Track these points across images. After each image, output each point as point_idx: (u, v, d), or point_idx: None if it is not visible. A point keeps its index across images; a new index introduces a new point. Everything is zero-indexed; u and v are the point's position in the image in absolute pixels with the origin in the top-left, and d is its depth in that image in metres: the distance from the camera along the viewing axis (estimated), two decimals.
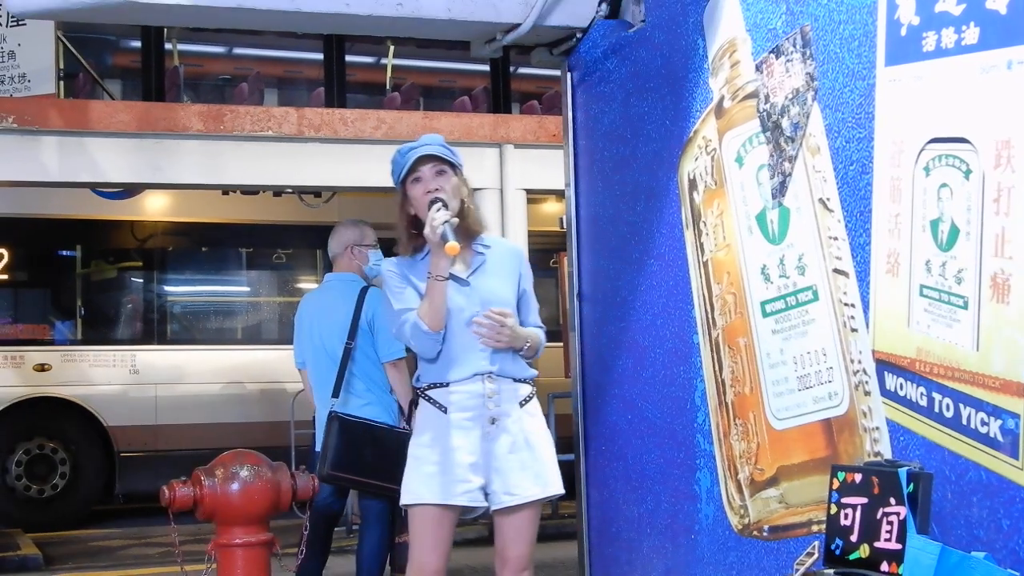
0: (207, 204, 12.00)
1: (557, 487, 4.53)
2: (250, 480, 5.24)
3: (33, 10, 5.51)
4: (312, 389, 6.65)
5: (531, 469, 4.46)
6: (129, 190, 11.44)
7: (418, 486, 4.41)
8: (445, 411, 4.42)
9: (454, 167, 4.53)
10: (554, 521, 9.93)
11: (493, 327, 4.39)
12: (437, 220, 4.30)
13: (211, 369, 11.89)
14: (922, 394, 3.71)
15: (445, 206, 4.35)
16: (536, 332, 4.60)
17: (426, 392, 4.48)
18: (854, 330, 3.99)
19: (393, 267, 4.55)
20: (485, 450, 4.40)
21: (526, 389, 4.53)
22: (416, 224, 4.49)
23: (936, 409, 3.66)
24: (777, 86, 4.34)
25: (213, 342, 12.23)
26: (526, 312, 4.63)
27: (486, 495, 4.43)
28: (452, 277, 4.41)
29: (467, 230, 4.48)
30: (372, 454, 6.20)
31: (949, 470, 3.60)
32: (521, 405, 4.49)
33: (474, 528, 9.15)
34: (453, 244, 4.27)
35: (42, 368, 11.30)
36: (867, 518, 3.49)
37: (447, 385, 4.44)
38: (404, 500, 4.45)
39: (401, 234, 4.57)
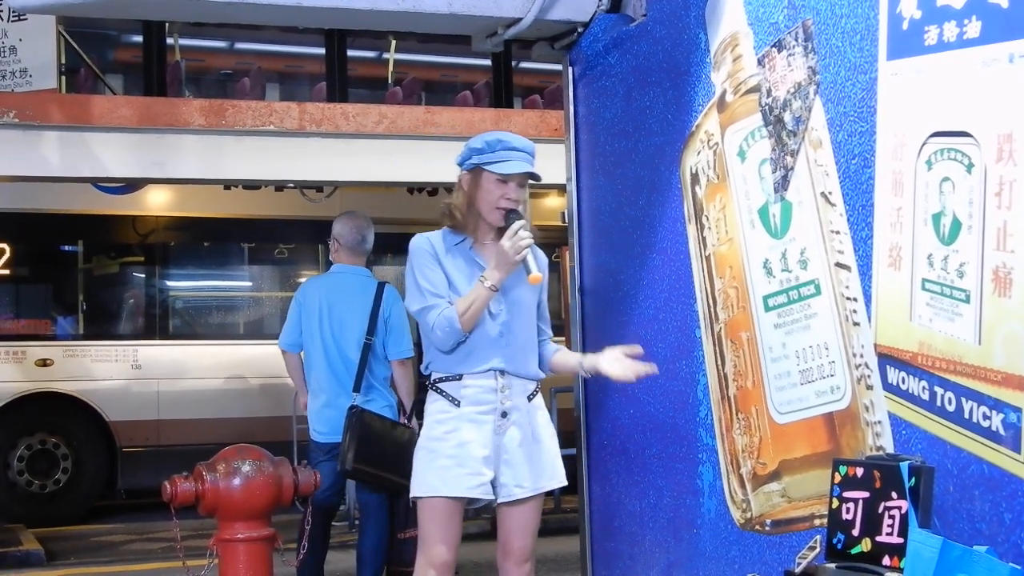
0: (209, 199, 11.99)
1: (563, 478, 4.60)
2: (252, 475, 5.24)
3: (34, 5, 5.51)
4: (302, 375, 6.66)
5: (539, 462, 4.50)
6: (131, 185, 11.42)
7: (433, 478, 4.41)
8: (458, 404, 4.43)
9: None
10: (556, 515, 9.93)
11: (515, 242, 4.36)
12: (524, 241, 4.33)
13: (213, 364, 11.88)
14: (924, 388, 3.71)
15: (523, 225, 4.38)
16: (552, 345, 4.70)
17: (438, 384, 4.49)
18: (856, 324, 3.99)
19: (429, 244, 4.52)
20: (496, 443, 4.43)
21: (532, 384, 4.57)
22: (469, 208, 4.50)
23: (938, 403, 3.66)
24: (779, 80, 4.34)
25: (215, 337, 12.22)
26: (541, 320, 4.67)
27: (493, 488, 4.45)
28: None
29: None
30: (390, 449, 6.22)
31: (951, 464, 3.60)
32: (529, 399, 4.52)
33: (476, 523, 9.16)
34: (537, 275, 4.37)
35: (44, 363, 11.30)
36: (869, 512, 3.49)
37: (460, 378, 4.45)
38: (417, 492, 4.45)
39: (455, 211, 4.53)
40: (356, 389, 6.38)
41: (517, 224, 4.38)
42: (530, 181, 4.52)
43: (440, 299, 4.43)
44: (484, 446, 4.41)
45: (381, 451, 6.22)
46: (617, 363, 4.49)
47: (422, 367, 4.59)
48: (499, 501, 4.47)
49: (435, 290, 4.45)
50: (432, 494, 4.41)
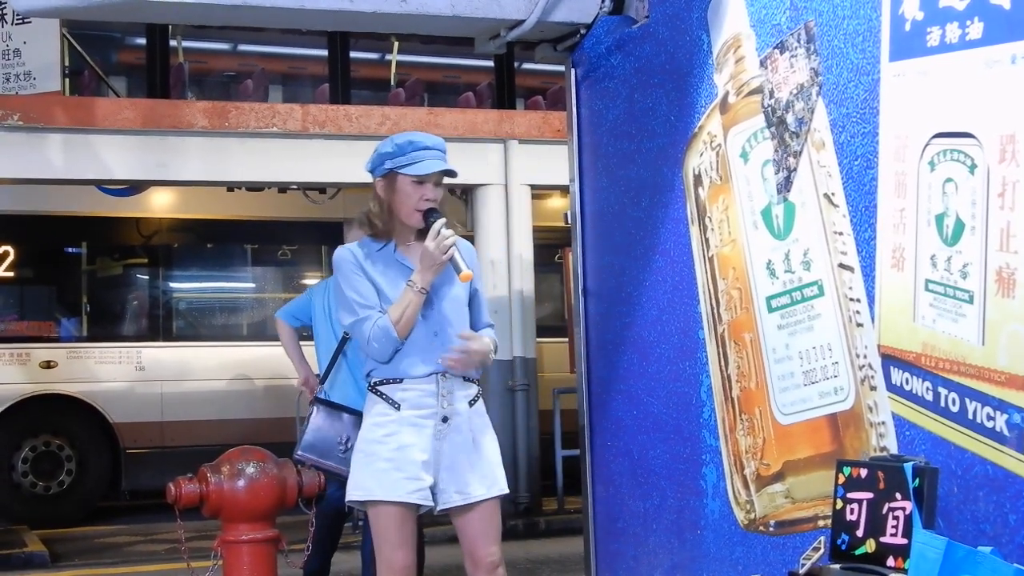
0: (212, 200, 12.00)
1: (503, 486, 4.49)
2: (256, 476, 5.24)
3: (38, 8, 5.52)
4: (296, 347, 6.88)
5: (479, 469, 4.42)
6: (134, 187, 11.44)
7: (369, 482, 4.35)
8: (398, 408, 4.37)
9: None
10: (560, 516, 9.90)
11: (462, 359, 4.35)
12: (448, 240, 4.28)
13: (217, 365, 11.89)
14: (928, 389, 3.71)
15: (444, 223, 4.32)
16: (491, 335, 4.56)
17: (378, 387, 4.42)
18: (859, 325, 4.00)
19: (351, 255, 4.45)
20: (436, 448, 4.36)
21: (474, 389, 4.49)
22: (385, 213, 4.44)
23: (942, 404, 3.66)
24: (782, 81, 4.34)
25: (219, 338, 12.22)
26: (478, 312, 4.58)
27: (433, 494, 4.38)
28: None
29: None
30: (346, 442, 6.21)
31: (955, 464, 3.60)
32: (470, 404, 4.45)
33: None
34: (468, 272, 4.31)
35: (48, 365, 11.31)
36: (873, 513, 3.50)
37: (401, 381, 4.38)
38: (353, 496, 4.40)
39: (374, 220, 4.47)
40: (322, 381, 6.42)
41: (439, 223, 4.30)
42: (446, 179, 4.46)
43: (371, 309, 4.36)
44: (423, 451, 4.33)
45: (329, 441, 6.23)
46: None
47: (364, 373, 4.51)
48: (438, 508, 4.40)
49: (365, 301, 4.38)
50: (368, 498, 4.35)
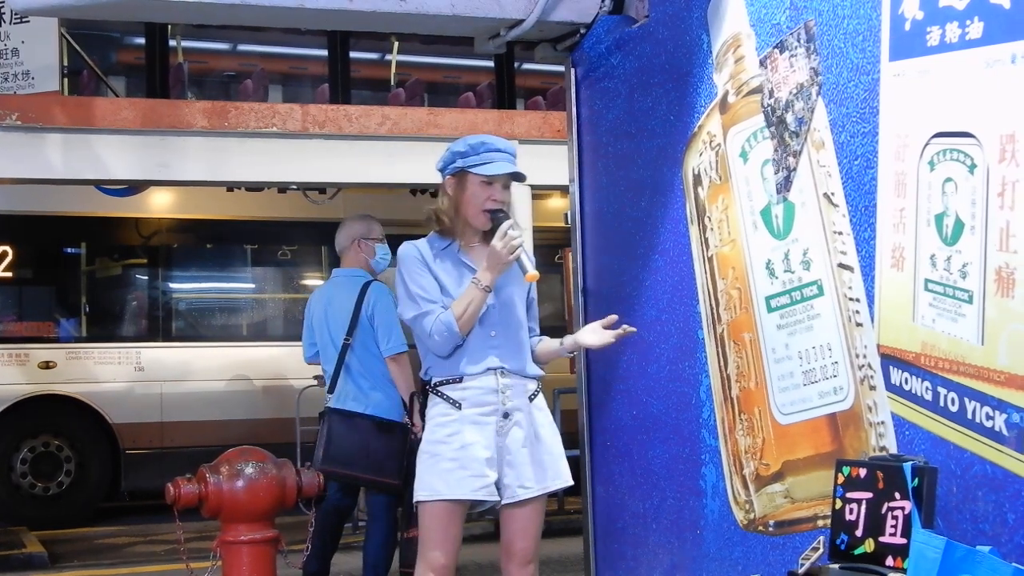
0: (212, 201, 12.00)
1: (568, 478, 4.60)
2: (255, 477, 5.24)
3: (36, 7, 5.51)
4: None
5: (542, 462, 4.50)
6: (134, 187, 11.43)
7: (436, 482, 4.40)
8: (459, 407, 4.43)
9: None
10: (560, 517, 9.93)
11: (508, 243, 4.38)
12: (516, 241, 4.34)
13: (216, 366, 11.88)
14: (927, 388, 3.71)
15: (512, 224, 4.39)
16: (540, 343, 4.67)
17: (438, 388, 4.48)
18: (859, 325, 3.99)
19: (416, 251, 4.51)
20: (499, 444, 4.42)
21: (533, 384, 4.57)
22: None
23: (941, 403, 3.66)
24: (781, 81, 4.34)
25: (218, 339, 12.22)
26: (532, 319, 4.68)
27: (498, 489, 4.44)
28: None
29: None
30: (365, 448, 6.22)
31: (954, 464, 3.60)
32: (530, 399, 4.52)
33: (479, 524, 9.16)
34: (534, 273, 4.38)
35: (47, 366, 11.30)
36: (872, 513, 3.49)
37: (460, 380, 4.45)
38: (421, 496, 4.44)
39: (442, 216, 4.54)
40: (330, 391, 6.40)
41: (506, 224, 4.38)
42: (514, 181, 4.53)
43: (434, 304, 4.43)
44: (487, 448, 4.40)
45: (349, 450, 6.23)
46: (594, 334, 4.55)
47: (421, 373, 4.58)
48: (504, 502, 4.46)
49: (428, 296, 4.44)
50: (436, 497, 4.40)
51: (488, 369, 4.44)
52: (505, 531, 4.56)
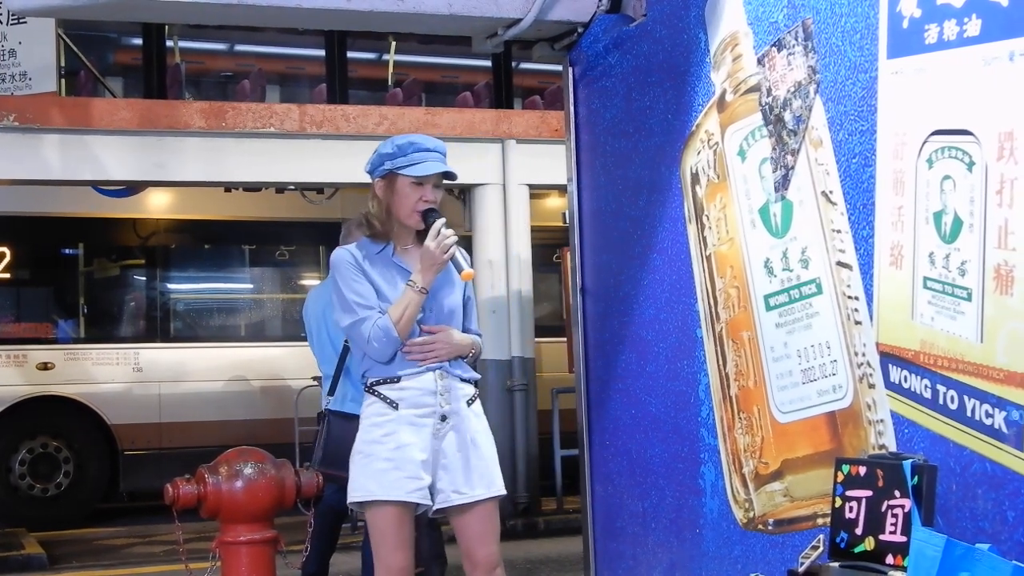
0: (209, 201, 12.00)
1: (501, 487, 4.50)
2: (254, 477, 5.23)
3: (33, 8, 5.51)
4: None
5: (477, 468, 4.42)
6: (131, 188, 11.43)
7: (369, 483, 4.35)
8: (396, 407, 4.37)
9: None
10: (559, 516, 9.91)
11: (422, 349, 4.37)
12: (449, 240, 4.30)
13: (214, 366, 11.89)
14: (926, 386, 3.71)
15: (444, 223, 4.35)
16: (476, 339, 4.59)
17: (375, 387, 4.42)
18: (858, 323, 3.99)
19: (351, 256, 4.45)
20: (434, 447, 4.36)
21: (471, 389, 4.50)
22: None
23: (940, 401, 3.66)
24: (779, 79, 4.34)
25: (216, 339, 12.22)
26: (469, 319, 4.61)
27: (431, 493, 4.38)
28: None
29: None
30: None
31: (954, 462, 3.60)
32: (468, 404, 4.46)
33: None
34: (469, 271, 4.35)
35: (45, 367, 11.30)
36: (872, 511, 3.49)
37: (398, 380, 4.39)
38: (354, 497, 4.39)
39: (372, 220, 4.48)
40: (331, 392, 6.40)
41: (439, 223, 4.33)
42: (444, 180, 4.49)
43: (371, 310, 4.36)
44: (423, 450, 4.34)
45: (348, 451, 6.24)
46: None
47: (360, 374, 4.51)
48: (435, 507, 4.39)
49: (365, 302, 4.38)
50: (369, 498, 4.34)
51: (427, 369, 4.38)
52: (463, 540, 4.47)
